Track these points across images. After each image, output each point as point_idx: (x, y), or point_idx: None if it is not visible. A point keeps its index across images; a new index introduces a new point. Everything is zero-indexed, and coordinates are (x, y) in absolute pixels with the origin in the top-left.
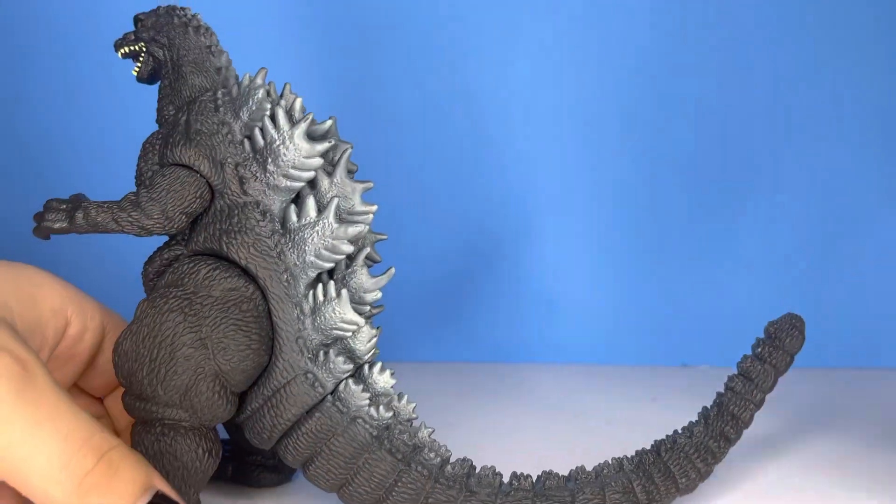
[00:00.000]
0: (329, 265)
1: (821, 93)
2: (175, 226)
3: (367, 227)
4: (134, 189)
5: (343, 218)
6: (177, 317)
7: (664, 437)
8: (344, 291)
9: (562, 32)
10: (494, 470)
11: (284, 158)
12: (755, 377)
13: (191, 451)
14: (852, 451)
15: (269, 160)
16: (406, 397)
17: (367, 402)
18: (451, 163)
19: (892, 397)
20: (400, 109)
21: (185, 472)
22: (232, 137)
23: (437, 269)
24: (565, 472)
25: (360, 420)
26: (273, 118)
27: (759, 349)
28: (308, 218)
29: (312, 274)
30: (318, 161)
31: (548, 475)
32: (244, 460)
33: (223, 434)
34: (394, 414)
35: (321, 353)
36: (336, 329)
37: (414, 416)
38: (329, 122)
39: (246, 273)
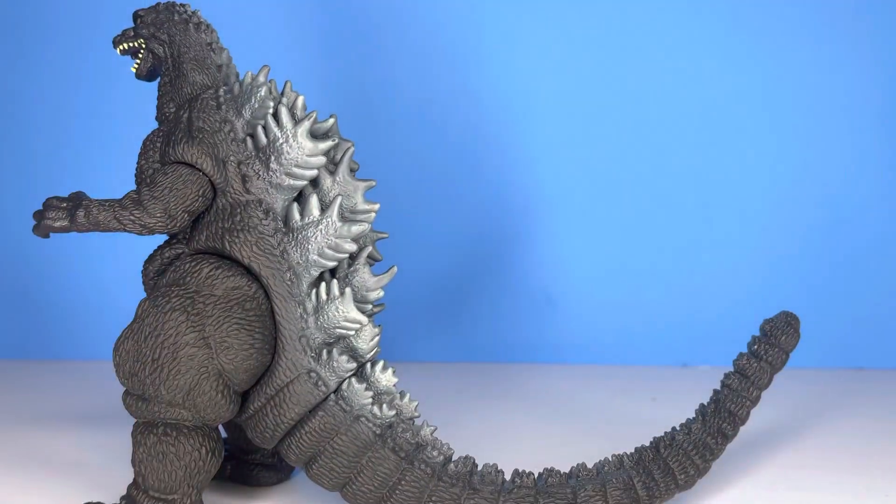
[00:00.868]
0: (332, 264)
1: (821, 92)
2: (177, 224)
3: (370, 225)
4: (133, 187)
5: (346, 216)
6: (179, 316)
7: (662, 434)
8: (347, 290)
9: (562, 32)
10: (497, 468)
11: (287, 157)
12: (751, 374)
13: (194, 450)
14: (851, 449)
15: (272, 158)
16: (408, 396)
17: (370, 400)
18: (451, 162)
19: (891, 397)
20: (400, 109)
21: (188, 472)
22: (234, 135)
23: (436, 269)
24: (566, 470)
25: (363, 418)
26: (276, 116)
27: (755, 346)
28: (311, 216)
29: (315, 272)
30: (322, 159)
31: (549, 472)
32: (243, 459)
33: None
34: (396, 412)
35: (324, 351)
36: (339, 328)
37: (416, 414)
38: (331, 121)
39: (248, 272)
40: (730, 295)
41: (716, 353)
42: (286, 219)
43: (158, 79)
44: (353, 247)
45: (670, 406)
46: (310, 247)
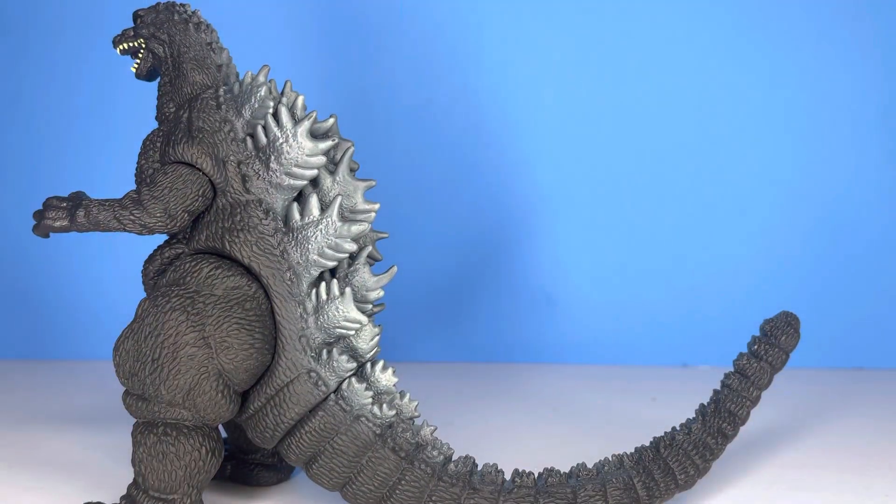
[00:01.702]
0: (332, 264)
1: (821, 92)
2: (177, 224)
3: (370, 225)
4: (133, 187)
5: (346, 216)
6: (179, 316)
7: (662, 434)
8: (347, 289)
9: (562, 32)
10: (497, 467)
11: (287, 156)
12: (751, 374)
13: (194, 450)
14: (851, 449)
15: (272, 158)
16: (408, 395)
17: (370, 400)
18: (451, 162)
19: (891, 397)
20: (400, 109)
21: (188, 472)
22: (234, 135)
23: (436, 269)
24: (566, 470)
25: (363, 418)
26: (276, 116)
27: (755, 346)
28: (311, 216)
29: (315, 272)
30: (322, 159)
31: (549, 472)
32: (243, 459)
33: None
34: (397, 412)
35: (324, 351)
36: (339, 327)
37: (416, 414)
38: (331, 121)
39: (248, 272)
40: (730, 295)
41: (716, 353)
42: (286, 219)
43: (158, 79)
44: (353, 247)
45: (670, 406)
46: (310, 246)
